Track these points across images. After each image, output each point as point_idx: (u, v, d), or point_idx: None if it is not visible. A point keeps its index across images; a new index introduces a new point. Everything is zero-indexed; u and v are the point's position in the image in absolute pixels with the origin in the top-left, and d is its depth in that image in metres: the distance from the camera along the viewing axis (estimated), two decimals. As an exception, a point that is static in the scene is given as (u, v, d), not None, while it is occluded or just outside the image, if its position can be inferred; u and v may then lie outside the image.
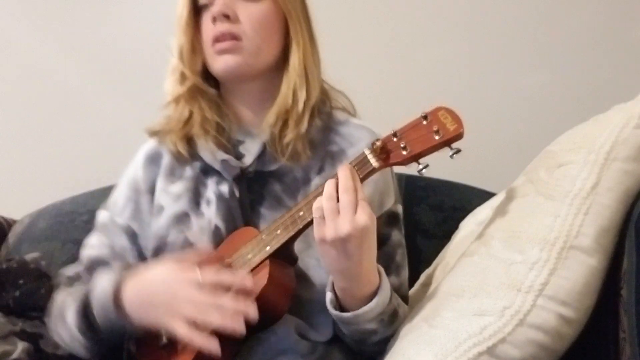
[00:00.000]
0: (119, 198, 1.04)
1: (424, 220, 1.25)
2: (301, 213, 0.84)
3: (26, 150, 1.73)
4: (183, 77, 0.99)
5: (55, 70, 1.71)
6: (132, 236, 1.00)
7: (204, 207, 0.97)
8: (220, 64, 0.95)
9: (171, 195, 0.99)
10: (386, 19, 1.52)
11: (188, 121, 0.99)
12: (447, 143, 0.78)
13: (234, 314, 0.79)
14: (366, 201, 0.79)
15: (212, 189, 0.97)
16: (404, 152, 0.80)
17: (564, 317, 0.76)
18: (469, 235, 1.01)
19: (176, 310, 0.81)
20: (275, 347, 0.87)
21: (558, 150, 0.88)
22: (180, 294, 0.82)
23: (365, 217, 0.77)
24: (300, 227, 0.84)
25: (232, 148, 0.99)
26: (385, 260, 0.95)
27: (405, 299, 0.98)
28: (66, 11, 1.71)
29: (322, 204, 0.79)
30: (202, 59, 0.98)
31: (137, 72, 1.68)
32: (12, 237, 1.49)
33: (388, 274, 0.94)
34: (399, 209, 1.01)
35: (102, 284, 0.90)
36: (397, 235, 1.00)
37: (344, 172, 0.80)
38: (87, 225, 1.41)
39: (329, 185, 0.80)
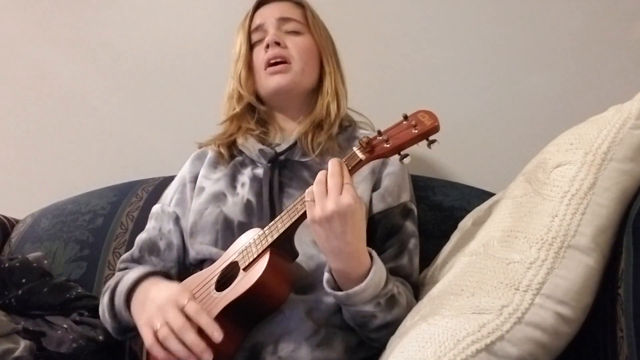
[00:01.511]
0: (170, 191, 1.22)
1: (423, 220, 1.25)
2: (298, 207, 0.93)
3: (29, 150, 1.74)
4: (240, 97, 1.18)
5: (59, 70, 1.72)
6: (176, 219, 1.16)
7: (239, 188, 1.13)
8: (273, 82, 1.15)
9: (211, 179, 1.16)
10: (384, 20, 1.53)
11: (234, 133, 1.18)
12: (424, 135, 0.88)
13: (191, 348, 0.88)
14: (352, 186, 0.89)
15: (247, 174, 1.14)
16: (387, 145, 0.89)
17: (561, 316, 0.76)
18: (468, 235, 1.02)
19: (150, 322, 0.93)
20: (281, 327, 0.95)
21: (555, 151, 0.88)
22: (161, 310, 0.92)
23: (348, 197, 0.86)
24: (296, 217, 0.92)
25: (270, 147, 1.16)
26: (399, 246, 1.05)
27: (416, 286, 1.05)
28: (69, 12, 1.71)
29: (312, 188, 0.88)
30: (254, 84, 1.18)
31: (139, 73, 1.68)
32: (15, 236, 1.49)
33: (400, 258, 1.05)
34: (414, 207, 1.13)
35: (127, 278, 1.05)
36: (411, 226, 1.09)
37: (331, 162, 0.90)
38: (89, 224, 1.42)
39: (320, 174, 0.89)
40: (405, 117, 0.89)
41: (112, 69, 1.70)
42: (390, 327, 0.93)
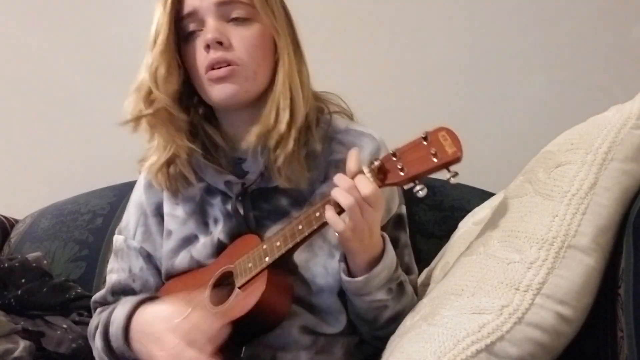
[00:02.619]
0: (130, 221, 1.06)
1: (423, 220, 1.25)
2: (300, 227, 0.86)
3: (28, 150, 1.74)
4: (152, 99, 0.94)
5: (58, 70, 1.72)
6: (147, 257, 1.03)
7: (212, 226, 0.99)
8: (218, 92, 0.92)
9: (178, 219, 1.01)
10: (385, 21, 1.53)
11: (164, 152, 0.97)
12: (444, 166, 0.80)
13: None
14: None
15: (218, 208, 0.98)
16: (402, 173, 0.81)
17: (562, 316, 0.76)
18: (468, 235, 1.02)
19: (153, 356, 0.87)
20: (279, 340, 0.91)
21: (556, 151, 0.88)
22: (159, 341, 0.87)
23: (376, 213, 0.83)
24: (298, 240, 0.86)
25: (234, 167, 1.00)
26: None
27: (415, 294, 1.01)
28: (69, 11, 1.71)
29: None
30: (178, 84, 0.94)
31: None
32: (14, 236, 1.49)
33: None
34: (403, 209, 1.03)
35: (117, 318, 0.94)
36: (404, 237, 1.03)
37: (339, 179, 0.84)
38: (89, 224, 1.43)
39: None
40: (425, 138, 0.80)
41: (112, 68, 1.69)
42: (398, 320, 0.90)
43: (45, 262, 1.35)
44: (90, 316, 1.20)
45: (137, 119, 0.96)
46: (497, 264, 0.81)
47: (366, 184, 0.81)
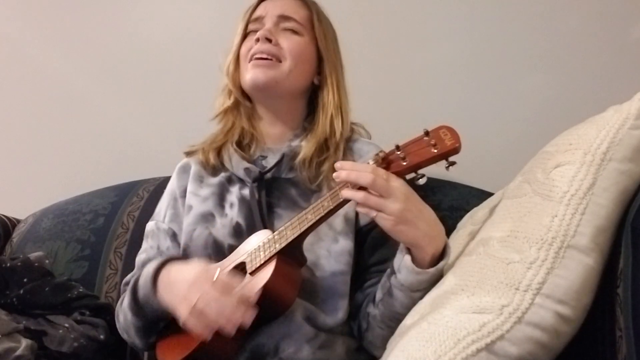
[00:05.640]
0: (162, 207, 1.18)
1: (422, 220, 1.25)
2: (308, 216, 0.92)
3: (30, 150, 1.74)
4: (230, 92, 1.15)
5: (59, 70, 1.72)
6: (173, 236, 1.13)
7: (227, 209, 1.09)
8: (251, 74, 1.09)
9: (199, 197, 1.13)
10: (384, 20, 1.53)
11: (230, 131, 1.15)
12: (443, 156, 0.84)
13: (231, 314, 0.85)
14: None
15: (235, 194, 1.10)
16: (404, 163, 0.87)
17: (561, 316, 0.77)
18: (467, 235, 1.02)
19: (186, 297, 0.89)
20: (282, 329, 0.95)
21: (554, 151, 0.88)
22: (195, 285, 0.89)
23: (396, 181, 0.86)
24: (305, 228, 0.91)
25: (255, 162, 1.13)
26: (391, 257, 1.00)
27: None
28: (69, 12, 1.72)
29: (369, 202, 0.85)
30: (239, 77, 1.13)
31: (140, 73, 1.68)
32: (16, 236, 1.49)
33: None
34: None
35: (148, 267, 1.02)
36: None
37: (343, 173, 0.87)
38: (91, 224, 1.43)
39: (355, 189, 0.87)
40: (427, 133, 0.85)
41: (112, 68, 1.70)
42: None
43: (47, 261, 1.36)
44: (93, 316, 1.21)
45: (224, 111, 1.16)
46: (497, 264, 0.82)
47: (364, 166, 0.86)
